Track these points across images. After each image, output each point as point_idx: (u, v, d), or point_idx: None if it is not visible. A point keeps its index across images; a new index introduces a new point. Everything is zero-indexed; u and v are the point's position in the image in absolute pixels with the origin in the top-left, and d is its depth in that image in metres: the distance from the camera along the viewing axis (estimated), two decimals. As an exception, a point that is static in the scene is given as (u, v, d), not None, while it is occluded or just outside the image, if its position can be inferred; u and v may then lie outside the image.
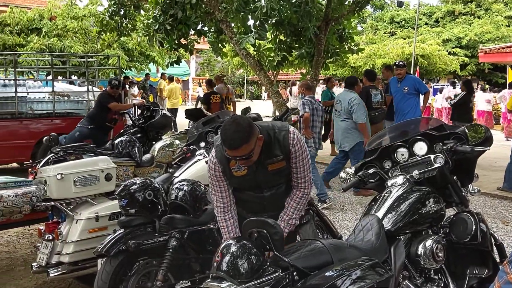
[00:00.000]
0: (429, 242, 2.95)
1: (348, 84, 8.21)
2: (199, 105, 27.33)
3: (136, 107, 9.46)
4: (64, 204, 4.46)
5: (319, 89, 21.92)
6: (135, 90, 18.40)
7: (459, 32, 32.88)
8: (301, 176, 3.18)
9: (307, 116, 7.59)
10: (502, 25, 32.85)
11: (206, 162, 4.63)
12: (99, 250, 3.66)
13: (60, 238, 4.32)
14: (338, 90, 24.00)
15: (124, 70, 17.68)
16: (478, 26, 33.00)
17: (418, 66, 24.08)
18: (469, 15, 35.82)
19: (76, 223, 4.39)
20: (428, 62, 25.73)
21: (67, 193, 4.42)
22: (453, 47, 31.43)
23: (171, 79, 17.93)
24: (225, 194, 3.20)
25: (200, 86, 32.96)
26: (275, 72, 11.46)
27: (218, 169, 3.13)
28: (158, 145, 6.63)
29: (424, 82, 13.63)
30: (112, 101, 8.18)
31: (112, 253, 3.62)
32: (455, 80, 21.86)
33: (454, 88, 18.78)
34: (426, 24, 36.73)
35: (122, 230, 3.76)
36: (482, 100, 18.60)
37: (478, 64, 29.76)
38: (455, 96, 11.88)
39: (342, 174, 3.64)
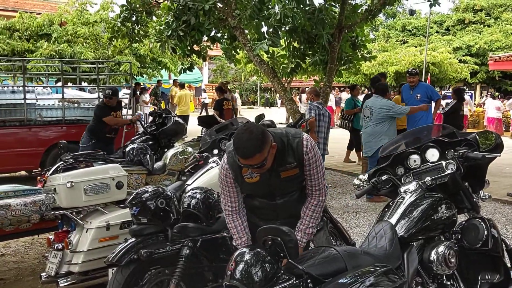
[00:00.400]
0: (441, 248, 2.97)
1: (379, 90, 8.14)
2: (204, 112, 27.49)
3: (148, 114, 9.34)
4: (74, 213, 4.42)
5: (332, 96, 21.95)
6: (146, 96, 18.39)
7: (469, 40, 33.05)
8: (315, 183, 3.12)
9: (312, 120, 7.92)
10: (511, 33, 32.82)
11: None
12: (110, 260, 3.59)
13: (70, 247, 4.29)
14: (347, 96, 24.11)
15: (135, 77, 17.65)
16: (487, 35, 33.16)
17: (429, 74, 24.02)
18: (479, 24, 36.00)
19: (86, 232, 4.35)
20: (439, 69, 25.69)
21: (77, 201, 4.38)
22: (463, 55, 31.57)
23: (182, 85, 17.87)
24: (234, 199, 3.15)
25: (205, 92, 32.88)
26: (288, 79, 11.42)
27: (230, 175, 3.08)
28: (170, 153, 6.56)
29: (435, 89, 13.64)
30: (108, 113, 7.96)
31: (124, 263, 3.54)
32: (465, 87, 21.91)
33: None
34: (437, 32, 36.84)
35: (133, 239, 3.70)
36: (492, 107, 18.64)
37: (488, 72, 29.94)
38: (447, 104, 11.93)
39: (356, 181, 3.67)
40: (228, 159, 3.07)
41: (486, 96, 26.00)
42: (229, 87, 15.57)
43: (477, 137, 3.46)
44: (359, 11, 10.04)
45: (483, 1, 36.90)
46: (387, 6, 9.98)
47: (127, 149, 6.13)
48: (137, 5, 10.00)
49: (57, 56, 14.89)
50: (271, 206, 3.18)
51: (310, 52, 9.82)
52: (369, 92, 9.98)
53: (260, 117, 6.21)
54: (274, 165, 2.96)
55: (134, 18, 10.21)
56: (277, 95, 39.89)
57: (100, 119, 7.95)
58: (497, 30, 33.32)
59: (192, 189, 4.09)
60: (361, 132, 8.68)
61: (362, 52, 10.47)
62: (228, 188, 3.12)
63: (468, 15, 36.51)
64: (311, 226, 3.15)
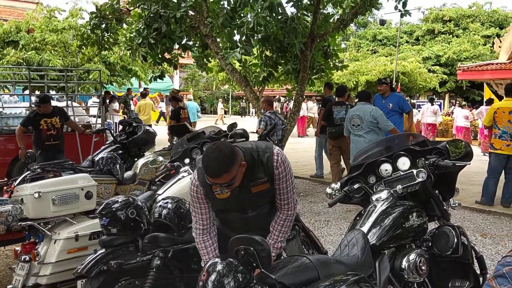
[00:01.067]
0: (412, 256, 3.00)
1: (363, 97, 8.23)
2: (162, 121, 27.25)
3: (117, 123, 9.16)
4: (41, 224, 4.33)
5: (305, 105, 22.04)
6: (116, 105, 18.15)
7: (438, 50, 33.72)
8: (284, 197, 3.12)
9: (260, 132, 7.91)
10: (479, 44, 33.80)
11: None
12: (79, 271, 3.54)
13: (37, 259, 4.19)
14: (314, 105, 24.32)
15: (105, 85, 17.42)
16: (456, 45, 33.89)
17: (399, 83, 24.36)
18: (448, 34, 36.73)
19: (54, 243, 4.27)
20: (409, 79, 26.07)
21: (45, 212, 4.28)
22: (432, 65, 32.21)
23: (143, 95, 17.44)
24: (206, 216, 3.12)
25: (163, 101, 32.61)
26: (260, 88, 11.43)
27: (200, 191, 3.06)
28: (140, 162, 6.49)
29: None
30: (28, 122, 7.85)
31: (93, 274, 3.49)
32: (433, 97, 22.19)
33: (432, 104, 19.07)
34: (407, 42, 37.46)
35: (103, 250, 3.65)
36: (460, 116, 18.90)
37: (457, 81, 30.46)
38: None
39: (328, 190, 3.68)
40: (198, 175, 3.04)
41: (455, 105, 26.48)
42: (179, 96, 15.38)
43: (447, 146, 3.51)
44: (331, 20, 10.09)
45: (452, 12, 37.73)
46: (358, 16, 10.05)
47: (97, 158, 6.04)
48: (107, 13, 9.87)
49: (25, 64, 14.60)
50: (242, 219, 3.18)
51: (283, 61, 9.82)
52: (334, 101, 9.99)
53: (233, 126, 6.18)
54: (244, 181, 2.96)
55: (104, 26, 10.05)
56: (250, 104, 39.95)
57: (33, 128, 7.82)
58: (465, 41, 34.10)
59: (163, 199, 4.05)
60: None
61: (334, 61, 10.53)
62: (199, 205, 3.09)
63: (437, 26, 37.25)
64: (280, 240, 3.15)
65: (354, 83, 24.68)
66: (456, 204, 3.63)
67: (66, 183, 4.45)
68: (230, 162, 2.75)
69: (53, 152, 7.76)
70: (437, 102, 21.81)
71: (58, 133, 7.98)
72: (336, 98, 9.73)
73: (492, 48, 29.88)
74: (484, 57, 31.16)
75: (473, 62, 25.73)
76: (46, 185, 4.34)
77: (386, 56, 30.86)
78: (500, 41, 20.90)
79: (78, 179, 4.60)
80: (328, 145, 9.63)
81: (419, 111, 19.73)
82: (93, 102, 16.25)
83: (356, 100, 9.32)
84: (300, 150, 14.94)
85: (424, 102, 24.32)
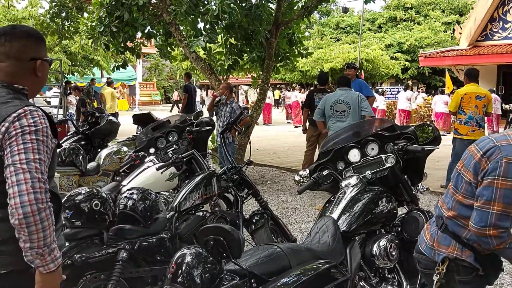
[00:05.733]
0: (383, 242, 3.02)
1: (344, 83, 7.92)
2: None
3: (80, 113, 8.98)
4: None
5: (270, 93, 22.01)
6: (71, 97, 17.40)
7: (400, 37, 34.26)
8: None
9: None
10: (440, 30, 34.37)
11: (157, 169, 4.43)
12: (41, 266, 3.37)
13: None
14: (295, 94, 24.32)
15: (66, 75, 17.03)
16: (418, 32, 34.51)
17: (363, 70, 24.57)
18: (409, 21, 37.29)
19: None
20: (372, 66, 26.33)
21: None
22: (395, 52, 32.69)
23: (109, 84, 16.94)
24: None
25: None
26: (225, 76, 11.33)
27: None
28: (104, 153, 6.35)
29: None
30: None
31: (56, 268, 3.35)
32: (409, 83, 22.38)
33: (405, 91, 19.11)
34: (370, 30, 37.88)
35: (67, 244, 3.49)
36: (440, 102, 18.76)
37: (418, 68, 30.94)
38: None
39: (296, 177, 3.67)
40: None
41: (418, 91, 26.89)
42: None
43: (416, 131, 3.51)
44: (295, 7, 10.06)
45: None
46: (322, 3, 10.04)
47: (59, 149, 5.89)
48: (67, 1, 9.63)
49: (-18, 55, 14.18)
50: None
51: (248, 49, 9.76)
52: (314, 88, 10.02)
53: (199, 114, 6.09)
54: None
55: (64, 14, 9.80)
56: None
57: None
58: (426, 28, 34.71)
59: (128, 190, 3.96)
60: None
61: (298, 49, 10.50)
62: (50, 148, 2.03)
63: (399, 13, 37.79)
64: (30, 243, 1.84)
65: (318, 70, 24.83)
66: (425, 189, 3.65)
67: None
68: None
69: None
70: (399, 88, 22.07)
71: None
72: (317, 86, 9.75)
73: (452, 34, 30.45)
74: (445, 43, 31.81)
75: (434, 49, 26.20)
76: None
77: (350, 44, 31.12)
78: (461, 28, 21.29)
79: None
80: (308, 131, 9.44)
81: (386, 98, 19.94)
82: (54, 92, 15.87)
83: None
84: (266, 138, 14.93)
85: (392, 88, 24.70)
